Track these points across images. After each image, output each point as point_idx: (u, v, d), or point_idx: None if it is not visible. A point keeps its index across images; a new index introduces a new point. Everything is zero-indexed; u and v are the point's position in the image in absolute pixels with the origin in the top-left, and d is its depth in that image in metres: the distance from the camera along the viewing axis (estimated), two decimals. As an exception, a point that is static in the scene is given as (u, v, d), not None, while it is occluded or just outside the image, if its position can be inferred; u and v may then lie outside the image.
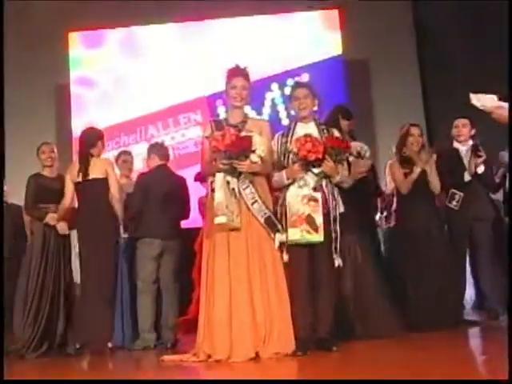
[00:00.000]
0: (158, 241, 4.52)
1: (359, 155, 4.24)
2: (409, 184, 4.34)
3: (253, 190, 3.45)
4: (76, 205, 4.54)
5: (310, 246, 3.50)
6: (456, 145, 4.77)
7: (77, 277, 4.65)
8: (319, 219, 3.43)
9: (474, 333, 4.14)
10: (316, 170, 3.51)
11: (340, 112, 4.28)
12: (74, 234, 4.64)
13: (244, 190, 3.45)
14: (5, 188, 5.00)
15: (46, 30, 7.37)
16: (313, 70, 6.96)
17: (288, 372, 3.09)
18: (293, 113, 3.82)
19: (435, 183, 4.44)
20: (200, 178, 5.10)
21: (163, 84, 7.09)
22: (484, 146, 4.71)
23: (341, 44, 7.05)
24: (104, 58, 7.25)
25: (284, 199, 3.56)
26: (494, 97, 3.25)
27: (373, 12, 7.22)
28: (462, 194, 4.57)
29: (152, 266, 4.54)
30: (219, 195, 3.36)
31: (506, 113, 3.12)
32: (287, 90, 6.51)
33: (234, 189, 3.43)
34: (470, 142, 4.73)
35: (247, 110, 4.48)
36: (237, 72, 3.61)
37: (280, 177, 3.57)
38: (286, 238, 3.45)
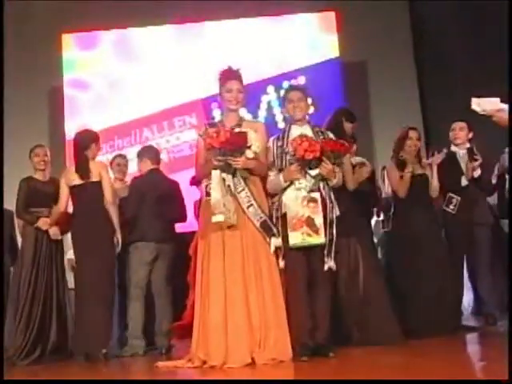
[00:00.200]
0: (153, 244, 4.53)
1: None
2: (405, 186, 4.35)
3: (248, 194, 3.46)
4: (69, 209, 4.53)
5: (307, 250, 3.51)
6: (453, 148, 4.78)
7: (70, 282, 4.65)
8: (319, 220, 3.44)
9: (472, 338, 4.15)
10: (313, 172, 3.51)
11: (343, 114, 4.29)
12: (66, 239, 4.65)
13: (239, 193, 3.46)
14: None
15: (39, 31, 7.37)
16: (309, 73, 6.99)
17: (284, 377, 3.10)
18: (286, 115, 3.84)
19: (435, 186, 4.46)
20: (195, 181, 5.10)
21: (158, 86, 7.09)
22: (484, 148, 4.73)
23: (338, 46, 7.06)
24: (98, 60, 7.24)
25: (280, 203, 3.56)
26: (497, 100, 3.27)
27: (369, 14, 7.24)
28: (459, 197, 4.58)
29: (145, 270, 4.55)
30: (216, 194, 3.37)
31: (506, 116, 3.15)
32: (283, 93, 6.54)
33: (229, 186, 3.44)
34: (467, 146, 4.75)
35: (243, 112, 4.49)
36: (231, 75, 3.62)
37: (277, 179, 3.58)
38: (287, 242, 3.45)
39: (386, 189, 4.59)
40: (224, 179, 3.43)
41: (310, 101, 3.90)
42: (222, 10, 7.08)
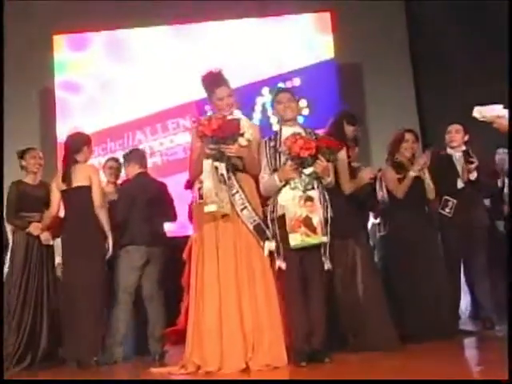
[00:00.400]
0: (144, 248, 4.52)
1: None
2: (404, 189, 4.37)
3: (242, 196, 3.48)
4: (59, 213, 4.53)
5: (302, 252, 3.52)
6: (449, 151, 4.81)
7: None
8: (316, 219, 3.45)
9: (470, 343, 4.17)
10: (307, 171, 3.52)
11: (345, 117, 4.31)
12: (57, 243, 4.64)
13: (233, 195, 3.46)
14: None
15: (30, 32, 7.36)
16: (305, 74, 7.00)
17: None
18: (277, 117, 3.86)
19: (431, 189, 4.48)
20: (190, 185, 5.11)
21: (151, 88, 7.08)
22: (479, 150, 4.75)
23: (333, 47, 7.07)
24: (90, 61, 7.23)
25: (275, 204, 3.57)
26: (500, 106, 3.34)
27: (365, 14, 7.26)
28: (455, 200, 4.61)
29: (135, 276, 4.52)
30: (208, 183, 3.39)
31: (505, 122, 3.23)
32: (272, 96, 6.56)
33: (222, 174, 3.44)
34: (463, 148, 4.78)
35: (237, 115, 4.49)
36: (218, 81, 3.61)
37: (272, 180, 3.58)
38: (287, 243, 3.45)
39: (381, 191, 4.59)
40: (217, 168, 3.43)
41: (304, 103, 3.92)
42: (215, 11, 7.09)
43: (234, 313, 3.34)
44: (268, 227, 3.52)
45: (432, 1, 7.09)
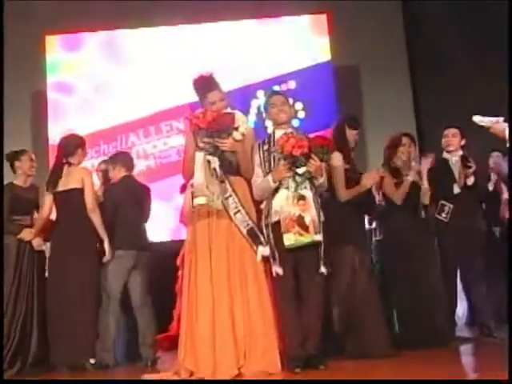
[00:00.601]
0: (131, 252, 4.51)
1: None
2: (402, 195, 4.39)
3: (236, 200, 3.49)
4: (51, 216, 4.53)
5: (297, 255, 3.53)
6: (445, 155, 4.81)
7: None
8: (308, 218, 3.46)
9: (466, 349, 4.18)
10: (300, 170, 3.53)
11: (347, 121, 4.35)
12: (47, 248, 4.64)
13: (226, 199, 3.47)
14: None
15: (23, 32, 7.35)
16: (301, 77, 7.01)
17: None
18: (271, 120, 3.88)
19: (426, 193, 4.49)
20: (185, 189, 5.12)
21: (145, 90, 7.08)
22: (476, 154, 4.77)
23: (329, 49, 7.09)
24: (83, 62, 7.21)
25: (269, 209, 3.57)
26: (500, 119, 3.45)
27: (361, 15, 7.27)
28: (451, 205, 4.62)
29: (123, 280, 4.51)
30: (199, 175, 3.40)
31: (502, 128, 3.36)
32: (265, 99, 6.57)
33: (215, 169, 3.46)
34: (460, 153, 4.79)
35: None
36: (210, 85, 3.61)
37: (265, 182, 3.59)
38: (282, 248, 3.46)
39: (378, 196, 4.61)
40: (209, 161, 3.44)
41: (300, 106, 3.94)
42: (211, 12, 7.09)
43: (227, 318, 3.35)
44: (262, 232, 3.53)
45: (430, 1, 7.09)
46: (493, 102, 5.26)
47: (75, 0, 7.26)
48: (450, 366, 3.47)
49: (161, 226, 6.14)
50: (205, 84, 3.62)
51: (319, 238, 3.49)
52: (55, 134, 6.92)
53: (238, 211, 3.48)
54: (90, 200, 4.31)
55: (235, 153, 3.52)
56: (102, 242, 4.37)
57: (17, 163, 4.65)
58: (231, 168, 3.55)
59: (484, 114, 3.63)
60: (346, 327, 4.00)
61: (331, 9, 7.14)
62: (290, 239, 3.46)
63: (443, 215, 4.65)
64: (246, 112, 6.84)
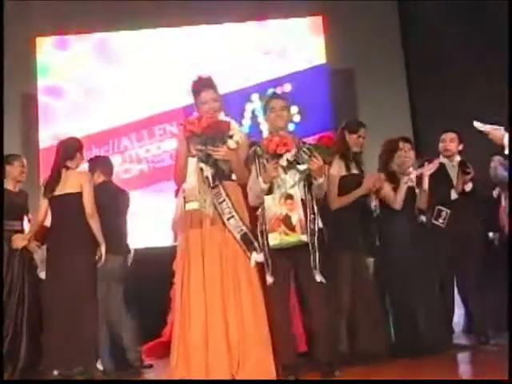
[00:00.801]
0: (111, 257, 4.50)
1: None
2: (401, 200, 4.38)
3: (229, 204, 3.49)
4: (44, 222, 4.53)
5: (295, 263, 3.55)
6: (442, 159, 4.82)
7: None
8: (295, 217, 3.45)
9: (463, 357, 4.20)
10: (302, 167, 3.54)
11: (345, 127, 4.38)
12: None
13: (220, 203, 3.48)
14: None
15: (12, 33, 7.34)
16: (296, 80, 7.03)
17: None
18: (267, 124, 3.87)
19: (425, 198, 4.50)
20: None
21: (138, 93, 7.08)
22: (474, 158, 4.79)
23: (324, 52, 7.12)
24: (74, 65, 7.20)
25: (263, 216, 3.58)
26: (501, 128, 3.54)
27: (356, 17, 7.27)
28: (448, 211, 4.63)
29: (104, 286, 4.52)
30: (191, 180, 3.41)
31: (500, 134, 3.42)
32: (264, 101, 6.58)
33: (207, 177, 3.46)
34: (458, 158, 4.81)
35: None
36: (203, 85, 3.63)
37: (256, 184, 3.59)
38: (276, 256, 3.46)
39: (373, 201, 4.62)
40: (202, 169, 3.45)
41: (295, 109, 3.95)
42: (204, 15, 7.11)
43: (220, 325, 3.36)
44: (256, 238, 3.53)
45: (426, 0, 7.08)
46: (492, 103, 5.29)
47: (67, 0, 7.27)
48: (449, 373, 3.49)
49: (154, 231, 6.14)
50: (201, 83, 3.64)
51: (305, 238, 3.48)
52: (46, 137, 6.96)
53: (232, 216, 3.49)
54: (89, 205, 4.26)
55: (229, 161, 3.53)
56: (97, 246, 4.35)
57: (8, 168, 4.65)
58: (224, 176, 3.56)
59: (483, 116, 3.67)
60: (345, 332, 4.04)
61: (326, 10, 7.17)
62: (275, 239, 3.46)
63: (440, 221, 4.66)
64: (240, 116, 6.87)
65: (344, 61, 7.29)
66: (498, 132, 3.46)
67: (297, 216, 3.46)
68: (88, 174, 4.52)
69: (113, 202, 4.66)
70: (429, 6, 7.01)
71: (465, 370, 3.90)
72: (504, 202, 5.01)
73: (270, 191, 3.57)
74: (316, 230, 3.57)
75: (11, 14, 7.34)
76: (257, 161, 3.68)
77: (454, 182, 4.73)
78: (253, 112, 6.98)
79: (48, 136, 6.97)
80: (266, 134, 6.01)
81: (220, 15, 7.12)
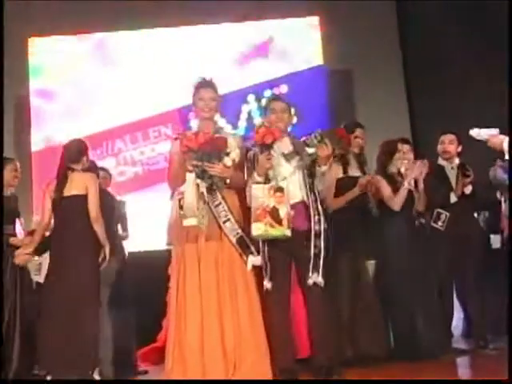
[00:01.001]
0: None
1: None
2: (401, 201, 4.39)
3: (225, 208, 3.51)
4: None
5: (294, 265, 3.57)
6: (441, 161, 4.84)
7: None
8: (284, 211, 3.45)
9: (462, 361, 4.22)
10: (310, 150, 3.56)
11: (344, 127, 4.40)
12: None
13: (216, 207, 3.50)
14: None
15: (5, 33, 7.35)
16: (293, 81, 7.05)
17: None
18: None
19: (422, 200, 4.52)
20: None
21: (132, 95, 7.08)
22: (474, 160, 4.81)
23: (322, 53, 7.14)
24: (68, 66, 7.21)
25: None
26: (496, 130, 3.55)
27: (354, 18, 7.29)
28: (447, 213, 4.65)
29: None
30: (189, 195, 3.42)
31: (499, 141, 3.45)
32: (265, 102, 6.59)
33: (202, 193, 3.48)
34: (457, 160, 4.83)
35: (222, 123, 4.53)
36: (204, 84, 3.71)
37: (253, 179, 3.60)
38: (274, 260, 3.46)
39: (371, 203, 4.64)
40: (198, 185, 3.47)
41: (293, 111, 3.97)
42: (200, 15, 7.11)
43: (216, 329, 3.38)
44: (252, 241, 3.55)
45: (425, 0, 7.11)
46: (492, 104, 5.32)
47: (59, 0, 7.27)
48: (446, 376, 3.53)
49: (149, 234, 6.15)
50: (202, 81, 3.72)
51: (289, 233, 3.45)
52: (38, 140, 6.96)
53: (228, 220, 3.51)
54: (94, 208, 4.24)
55: (224, 178, 3.54)
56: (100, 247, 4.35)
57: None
58: (219, 187, 3.58)
59: (482, 116, 3.69)
60: (344, 335, 4.08)
61: (323, 11, 7.19)
62: (258, 229, 3.43)
63: (439, 223, 4.67)
64: (236, 117, 6.89)
65: (342, 61, 7.31)
66: (496, 139, 3.48)
67: (285, 209, 3.45)
68: (94, 176, 4.49)
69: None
70: (427, 6, 7.02)
71: (464, 374, 3.92)
72: (504, 205, 5.03)
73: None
74: (322, 230, 3.59)
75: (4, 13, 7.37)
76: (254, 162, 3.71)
77: (453, 185, 4.75)
78: (249, 113, 6.99)
79: (40, 139, 6.98)
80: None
81: (216, 15, 7.12)
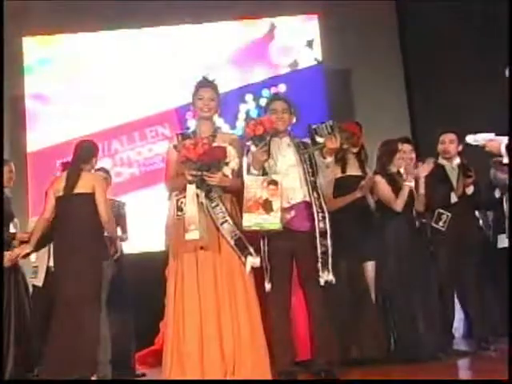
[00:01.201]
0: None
1: None
2: (402, 202, 4.40)
3: (223, 209, 3.51)
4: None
5: (296, 265, 3.58)
6: (442, 161, 4.85)
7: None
8: (277, 204, 3.45)
9: (463, 363, 4.23)
10: (320, 140, 3.58)
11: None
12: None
13: (213, 208, 3.51)
14: None
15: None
16: (290, 80, 7.06)
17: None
18: None
19: (422, 199, 4.53)
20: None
21: (128, 95, 7.09)
22: (474, 160, 4.82)
23: (320, 52, 7.15)
24: (63, 66, 7.20)
25: None
26: (492, 134, 3.53)
27: (353, 17, 7.31)
28: (449, 214, 4.65)
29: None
30: (191, 208, 3.42)
31: (497, 144, 3.43)
32: (263, 102, 6.60)
33: (202, 203, 3.49)
34: (457, 159, 4.84)
35: (219, 123, 4.53)
36: (204, 83, 3.72)
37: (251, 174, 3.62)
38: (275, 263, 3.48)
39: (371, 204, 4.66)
40: (197, 195, 3.48)
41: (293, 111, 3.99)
42: (196, 13, 7.13)
43: (214, 332, 3.38)
44: (251, 242, 3.56)
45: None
46: (492, 103, 5.33)
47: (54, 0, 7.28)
48: (447, 377, 3.55)
49: (146, 235, 6.16)
50: (202, 81, 3.72)
51: (281, 227, 3.46)
52: (33, 141, 6.96)
53: (226, 221, 3.50)
54: (104, 209, 4.24)
55: (224, 187, 3.55)
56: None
57: None
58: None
59: (483, 114, 3.68)
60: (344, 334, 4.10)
61: (323, 9, 7.20)
62: (249, 220, 3.44)
63: (441, 224, 4.68)
64: (233, 117, 6.89)
65: (340, 60, 7.33)
66: (494, 142, 3.46)
67: (278, 203, 3.45)
68: (101, 176, 4.51)
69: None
70: (427, 3, 7.03)
71: (463, 374, 3.94)
72: (506, 205, 5.04)
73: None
74: (327, 228, 3.60)
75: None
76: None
77: (454, 185, 4.76)
78: (247, 113, 6.98)
79: (35, 139, 6.98)
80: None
81: (214, 14, 7.13)
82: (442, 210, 4.68)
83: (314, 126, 3.64)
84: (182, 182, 3.52)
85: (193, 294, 3.43)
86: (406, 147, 4.70)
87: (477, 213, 5.22)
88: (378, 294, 4.42)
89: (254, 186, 3.49)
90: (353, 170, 4.51)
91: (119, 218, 5.07)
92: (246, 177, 3.57)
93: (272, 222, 3.44)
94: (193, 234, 3.40)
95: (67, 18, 7.20)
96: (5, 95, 7.26)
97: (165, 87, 7.03)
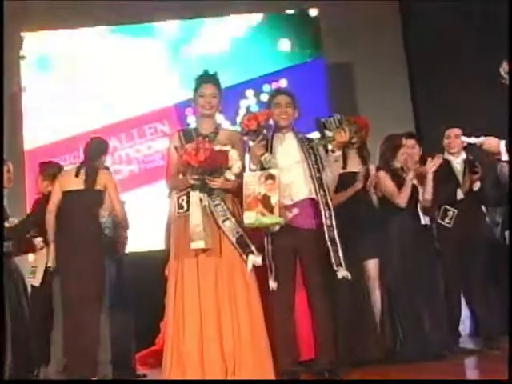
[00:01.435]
0: None
1: None
2: (406, 197, 4.38)
3: (224, 208, 3.50)
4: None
5: (299, 263, 3.58)
6: (447, 156, 4.84)
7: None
8: (275, 198, 3.44)
9: (470, 362, 4.22)
10: (329, 133, 3.57)
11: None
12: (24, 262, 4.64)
13: (215, 207, 3.49)
14: None
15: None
16: (292, 75, 7.04)
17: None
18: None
19: (428, 196, 4.51)
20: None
21: (127, 91, 7.09)
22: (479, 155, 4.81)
23: (322, 46, 7.13)
24: (61, 61, 7.20)
25: None
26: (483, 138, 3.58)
27: (356, 11, 7.31)
28: (455, 210, 4.64)
29: None
30: (195, 217, 3.41)
31: (495, 142, 3.46)
32: (263, 97, 6.59)
33: (205, 206, 3.48)
34: (463, 154, 4.82)
35: (220, 119, 4.50)
36: (205, 79, 3.68)
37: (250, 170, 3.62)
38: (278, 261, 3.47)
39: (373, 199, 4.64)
40: (201, 199, 3.46)
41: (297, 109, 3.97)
42: (196, 9, 7.12)
43: (214, 332, 3.37)
44: (253, 240, 3.54)
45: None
46: (495, 97, 5.31)
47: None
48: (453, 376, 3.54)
49: (145, 234, 6.15)
50: (204, 76, 3.69)
51: (282, 221, 3.48)
52: (31, 139, 6.95)
53: (227, 219, 3.49)
54: (118, 207, 4.32)
55: (226, 189, 3.54)
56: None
57: None
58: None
59: (484, 113, 3.68)
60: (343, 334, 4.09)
61: (325, 3, 7.18)
62: (250, 218, 3.44)
63: (447, 220, 4.67)
64: (234, 112, 6.88)
65: (342, 55, 7.32)
66: (491, 140, 3.47)
67: (276, 197, 3.45)
68: (110, 174, 4.55)
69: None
70: (430, 4, 7.03)
71: (463, 374, 3.93)
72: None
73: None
74: (334, 225, 3.59)
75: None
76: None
77: (460, 180, 4.76)
78: (247, 109, 6.96)
79: (33, 137, 6.97)
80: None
81: (214, 8, 7.13)
82: (448, 207, 4.68)
83: (322, 120, 3.63)
84: (183, 182, 3.51)
85: (193, 294, 3.42)
86: (410, 142, 4.68)
87: (484, 209, 5.19)
88: (382, 292, 4.40)
89: (252, 182, 3.49)
90: (354, 166, 4.49)
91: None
92: (244, 173, 3.56)
93: (272, 217, 3.43)
94: (198, 244, 3.39)
95: (66, 14, 7.20)
96: (4, 93, 7.29)
97: (163, 83, 7.02)
